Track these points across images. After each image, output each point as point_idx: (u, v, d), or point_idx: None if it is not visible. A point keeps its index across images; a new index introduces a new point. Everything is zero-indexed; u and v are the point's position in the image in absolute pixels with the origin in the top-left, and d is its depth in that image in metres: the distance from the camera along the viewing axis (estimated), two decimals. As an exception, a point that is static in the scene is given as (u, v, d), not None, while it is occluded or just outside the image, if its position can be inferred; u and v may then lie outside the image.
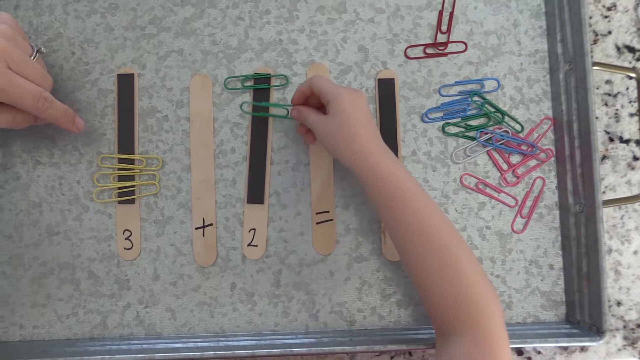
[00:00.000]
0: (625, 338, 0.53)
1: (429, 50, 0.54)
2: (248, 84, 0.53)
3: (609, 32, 0.55)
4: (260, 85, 0.53)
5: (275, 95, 0.53)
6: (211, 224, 0.52)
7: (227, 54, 0.53)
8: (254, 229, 0.52)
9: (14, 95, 0.43)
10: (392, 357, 0.52)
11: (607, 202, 0.50)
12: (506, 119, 0.53)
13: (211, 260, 0.52)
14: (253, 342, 0.50)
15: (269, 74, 0.53)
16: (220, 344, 0.50)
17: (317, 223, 0.52)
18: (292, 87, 0.53)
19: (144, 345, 0.50)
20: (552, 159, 0.53)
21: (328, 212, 0.52)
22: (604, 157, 0.54)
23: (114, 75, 0.53)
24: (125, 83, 0.53)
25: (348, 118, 0.44)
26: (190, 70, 0.53)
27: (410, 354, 0.52)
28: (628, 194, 0.54)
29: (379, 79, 0.53)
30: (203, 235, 0.52)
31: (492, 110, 0.53)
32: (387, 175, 0.43)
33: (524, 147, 0.53)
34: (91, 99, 0.53)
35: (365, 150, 0.44)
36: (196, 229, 0.52)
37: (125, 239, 0.52)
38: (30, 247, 0.52)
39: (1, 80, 0.42)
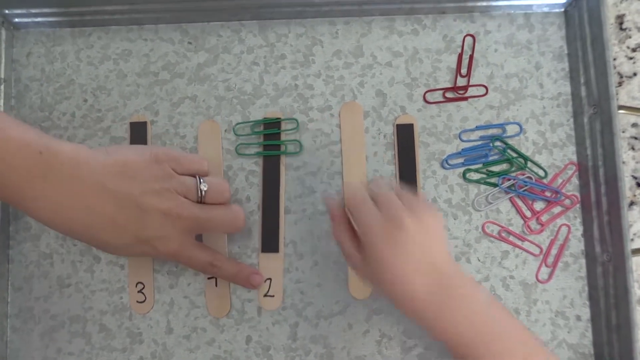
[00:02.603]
0: (657, 392, 0.52)
1: (449, 95, 0.54)
2: (258, 129, 0.54)
3: (634, 74, 0.55)
4: (271, 130, 0.53)
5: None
6: (225, 273, 0.53)
7: (241, 100, 0.54)
8: (270, 279, 0.52)
9: (186, 264, 0.47)
10: (413, 414, 0.52)
11: (637, 251, 0.50)
12: (529, 164, 0.53)
13: (225, 311, 0.52)
14: (270, 400, 0.50)
15: (279, 119, 0.53)
16: (236, 401, 0.50)
17: None
18: (302, 131, 0.54)
19: (157, 403, 0.50)
20: (578, 205, 0.53)
21: None
22: (631, 203, 0.54)
23: (126, 122, 0.54)
24: (138, 131, 0.54)
25: (383, 265, 0.39)
26: (204, 116, 0.54)
27: (432, 410, 0.52)
28: (657, 241, 0.53)
29: (397, 125, 0.53)
30: (216, 285, 0.53)
31: (515, 155, 0.53)
32: (445, 335, 0.37)
33: (548, 194, 0.53)
34: (103, 145, 0.54)
35: (410, 298, 0.38)
36: (209, 278, 0.53)
37: (138, 291, 0.52)
38: (40, 300, 0.53)
39: (178, 250, 0.45)
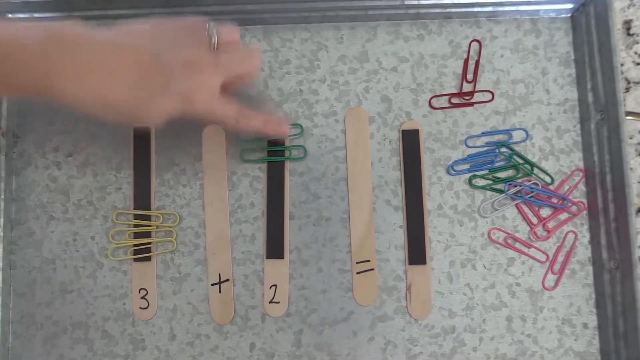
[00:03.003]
0: (665, 401, 0.52)
1: (455, 100, 0.54)
2: (265, 134, 0.54)
3: (642, 80, 0.55)
4: (275, 136, 0.53)
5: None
6: (227, 280, 0.52)
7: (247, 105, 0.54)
8: (275, 285, 0.52)
9: (215, 118, 0.45)
10: (419, 422, 0.52)
11: (644, 259, 0.50)
12: (535, 170, 0.53)
13: (228, 318, 0.52)
14: (274, 408, 0.50)
15: (284, 124, 0.53)
16: (240, 409, 0.50)
17: (357, 273, 0.52)
18: (307, 137, 0.54)
19: (160, 410, 0.50)
20: (585, 212, 0.53)
21: (369, 261, 0.52)
22: (639, 210, 0.54)
23: (130, 129, 0.54)
24: (142, 136, 0.53)
25: None
26: (208, 122, 0.54)
27: (438, 418, 0.52)
28: (665, 248, 0.53)
29: (403, 130, 0.53)
30: (219, 292, 0.52)
31: (521, 161, 0.53)
32: None
33: (554, 200, 0.53)
34: (107, 152, 0.54)
35: None
36: (212, 285, 0.52)
37: (141, 297, 0.52)
38: (42, 306, 0.53)
39: (209, 102, 0.43)
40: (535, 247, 0.52)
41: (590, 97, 0.52)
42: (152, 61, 0.40)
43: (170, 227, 0.53)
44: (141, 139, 0.54)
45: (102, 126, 0.54)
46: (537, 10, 0.54)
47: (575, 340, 0.52)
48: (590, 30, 0.52)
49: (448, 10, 0.54)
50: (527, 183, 0.53)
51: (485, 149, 0.53)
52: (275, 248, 0.52)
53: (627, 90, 0.55)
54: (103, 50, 0.40)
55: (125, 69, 0.40)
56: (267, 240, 0.52)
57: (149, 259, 0.52)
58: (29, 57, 0.38)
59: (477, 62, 0.54)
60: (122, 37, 0.41)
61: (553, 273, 0.52)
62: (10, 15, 0.53)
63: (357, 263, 0.52)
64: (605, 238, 0.51)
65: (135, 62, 0.40)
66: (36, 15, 0.53)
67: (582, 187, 0.53)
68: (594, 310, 0.52)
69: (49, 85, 0.39)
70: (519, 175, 0.53)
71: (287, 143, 0.53)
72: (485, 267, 0.52)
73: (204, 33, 0.43)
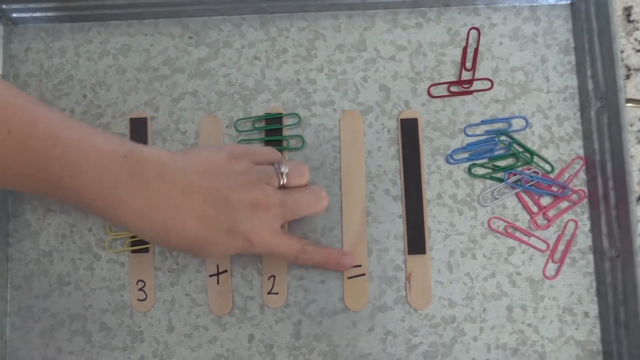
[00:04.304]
0: (667, 390, 0.52)
1: (454, 89, 0.54)
2: (260, 124, 0.54)
3: (642, 67, 0.55)
4: (272, 126, 0.53)
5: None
6: (225, 271, 0.53)
7: (243, 95, 0.54)
8: (274, 276, 0.52)
9: (277, 253, 0.46)
10: (419, 412, 0.52)
11: (645, 247, 0.50)
12: (535, 159, 0.53)
13: (227, 309, 0.52)
14: (273, 398, 0.50)
15: (281, 114, 0.54)
16: (239, 400, 0.50)
17: (348, 278, 0.52)
18: (305, 126, 0.54)
19: (158, 402, 0.50)
20: (585, 200, 0.53)
21: (360, 266, 0.52)
22: (640, 198, 0.54)
23: (126, 118, 0.54)
24: (138, 127, 0.54)
25: None
26: (205, 112, 0.54)
27: (438, 408, 0.52)
28: (667, 237, 0.53)
29: (401, 119, 0.53)
30: (217, 283, 0.53)
31: (521, 150, 0.53)
32: None
33: (554, 189, 0.53)
34: (103, 143, 0.54)
35: None
36: (210, 276, 0.53)
37: (139, 289, 0.52)
38: (40, 298, 0.53)
39: (271, 240, 0.44)
40: (535, 236, 0.53)
41: (590, 85, 0.53)
42: (220, 203, 0.42)
43: (167, 218, 0.53)
44: (138, 129, 0.54)
45: (98, 118, 0.54)
46: (536, -3, 0.54)
47: (576, 329, 0.52)
48: (590, 17, 0.52)
49: (446, -3, 0.54)
50: (527, 171, 0.53)
51: (484, 137, 0.53)
52: (273, 239, 0.53)
53: (628, 77, 0.55)
54: (177, 189, 0.41)
55: (193, 210, 0.41)
56: (265, 231, 0.53)
57: (146, 250, 0.53)
58: (100, 184, 0.39)
59: (476, 50, 0.54)
60: (193, 175, 0.42)
61: (554, 262, 0.53)
62: (4, 6, 0.53)
63: None
64: (606, 226, 0.51)
65: (205, 204, 0.41)
66: (31, 5, 0.53)
67: (582, 175, 0.53)
68: (595, 298, 0.52)
69: (112, 213, 0.40)
70: (519, 164, 0.53)
71: (284, 133, 0.54)
72: (485, 256, 0.53)
73: (274, 173, 0.45)
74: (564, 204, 0.53)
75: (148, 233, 0.42)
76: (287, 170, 0.46)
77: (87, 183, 0.39)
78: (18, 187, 0.41)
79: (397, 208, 0.53)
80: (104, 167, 0.39)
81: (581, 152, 0.53)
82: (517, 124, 0.53)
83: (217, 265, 0.52)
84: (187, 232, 0.41)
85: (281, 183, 0.46)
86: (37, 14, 0.54)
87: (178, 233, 0.41)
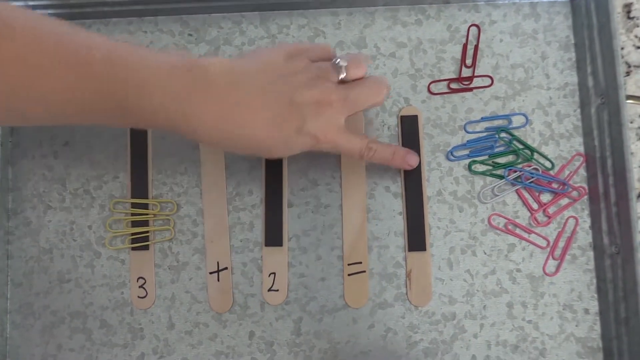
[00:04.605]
0: (667, 387, 0.52)
1: (454, 85, 0.54)
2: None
3: (642, 63, 0.55)
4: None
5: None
6: (226, 268, 0.53)
7: (243, 92, 0.54)
8: (274, 273, 0.53)
9: (343, 150, 0.46)
10: (419, 409, 0.52)
11: (645, 243, 0.50)
12: (535, 155, 0.53)
13: (227, 306, 0.52)
14: (273, 395, 0.50)
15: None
16: (239, 397, 0.50)
17: (348, 275, 0.52)
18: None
19: (159, 399, 0.51)
20: (585, 197, 0.53)
21: (361, 263, 0.52)
22: (640, 195, 0.54)
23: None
24: (139, 124, 0.54)
25: None
26: (205, 109, 0.54)
27: (438, 405, 0.52)
28: (667, 233, 0.53)
29: (401, 116, 0.53)
30: (218, 280, 0.53)
31: (521, 147, 0.53)
32: None
33: (554, 185, 0.53)
34: (103, 140, 0.54)
35: None
36: (210, 273, 0.53)
37: (139, 286, 0.52)
38: (40, 296, 0.53)
39: (337, 136, 0.44)
40: (535, 233, 0.53)
41: (590, 81, 0.53)
42: (287, 102, 0.42)
43: (168, 215, 0.53)
44: (137, 129, 0.54)
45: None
46: (536, -6, 0.54)
47: (576, 326, 0.52)
48: (590, 14, 0.52)
49: (446, -6, 0.54)
50: (527, 168, 0.53)
51: (484, 134, 0.54)
52: (274, 236, 0.53)
53: (628, 74, 0.55)
54: (248, 93, 0.41)
55: (264, 113, 0.41)
56: (265, 228, 0.53)
57: (146, 247, 0.53)
58: (174, 99, 0.39)
59: (476, 47, 0.54)
60: (260, 77, 0.42)
61: (554, 259, 0.53)
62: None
63: (348, 265, 0.52)
64: (606, 223, 0.51)
65: (276, 104, 0.42)
66: (31, 3, 0.54)
67: (582, 172, 0.53)
68: (595, 295, 0.52)
69: (186, 127, 0.41)
70: (519, 161, 0.53)
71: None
72: (485, 253, 0.53)
73: (333, 68, 0.45)
74: (564, 201, 0.53)
75: (224, 142, 0.42)
76: (345, 63, 0.45)
77: (157, 102, 0.39)
78: (84, 119, 0.42)
79: (398, 205, 0.53)
80: (173, 84, 0.39)
81: (581, 149, 0.53)
82: (517, 120, 0.54)
83: (218, 263, 0.53)
84: (259, 135, 0.42)
85: (340, 77, 0.45)
86: (37, 11, 0.54)
87: (250, 138, 0.42)
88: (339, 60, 0.45)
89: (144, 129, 0.54)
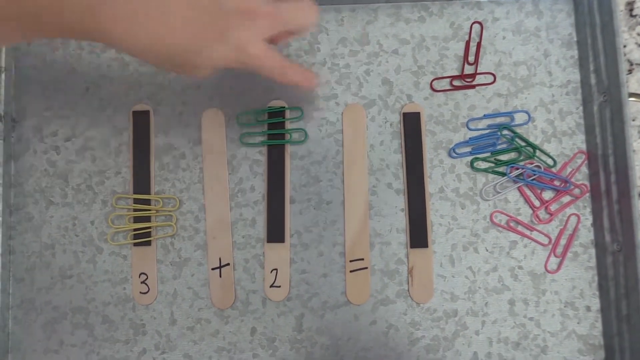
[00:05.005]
0: (668, 384, 0.52)
1: (456, 83, 0.54)
2: (263, 118, 0.54)
3: (645, 61, 0.55)
4: (275, 119, 0.54)
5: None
6: (228, 264, 0.53)
7: (246, 89, 0.54)
8: (276, 269, 0.53)
9: (262, 66, 0.43)
10: (421, 406, 0.52)
11: (647, 241, 0.50)
12: (538, 153, 0.53)
13: (229, 302, 0.53)
14: (275, 391, 0.50)
15: (283, 107, 0.54)
16: (241, 393, 0.50)
17: (351, 271, 0.52)
18: (307, 120, 0.54)
19: (161, 395, 0.51)
20: (587, 194, 0.53)
21: (363, 259, 0.52)
22: (642, 193, 0.54)
23: (128, 111, 0.54)
24: (141, 120, 0.54)
25: None
26: (207, 105, 0.54)
27: (440, 402, 0.52)
28: (668, 231, 0.53)
29: (404, 113, 0.54)
30: (220, 276, 0.53)
31: (523, 144, 0.53)
32: None
33: (556, 183, 0.53)
34: (105, 136, 0.54)
35: None
36: (212, 269, 0.53)
37: (141, 282, 0.53)
38: (42, 291, 0.53)
39: (260, 50, 0.42)
40: (537, 230, 0.53)
41: (592, 79, 0.53)
42: (211, 5, 0.39)
43: (170, 211, 0.53)
44: (140, 123, 0.54)
45: (101, 110, 0.55)
46: (539, -8, 0.54)
47: (578, 323, 0.52)
48: (592, 12, 0.52)
49: (449, -9, 0.54)
50: (529, 166, 0.53)
51: (487, 131, 0.54)
52: (275, 232, 0.53)
53: (630, 71, 0.55)
54: None
55: (182, 11, 0.38)
56: (267, 224, 0.53)
57: (148, 243, 0.53)
58: (80, 6, 0.35)
59: (479, 44, 0.54)
60: None
61: (556, 256, 0.53)
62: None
63: (350, 261, 0.53)
64: (608, 220, 0.51)
65: (196, 5, 0.38)
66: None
67: (584, 169, 0.53)
68: (597, 293, 0.52)
69: (97, 26, 0.36)
70: (521, 158, 0.53)
71: (287, 126, 0.54)
72: (487, 250, 0.53)
73: None
74: (566, 198, 0.53)
75: (138, 44, 0.38)
76: None
77: (68, 7, 0.35)
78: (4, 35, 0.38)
79: (400, 202, 0.53)
80: None
81: (583, 147, 0.54)
82: (519, 118, 0.54)
83: (220, 259, 0.53)
84: (179, 37, 0.38)
85: None
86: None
87: (170, 39, 0.38)
88: None
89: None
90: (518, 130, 0.53)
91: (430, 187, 0.53)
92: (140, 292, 0.53)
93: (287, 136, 0.54)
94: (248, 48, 0.41)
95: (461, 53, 0.54)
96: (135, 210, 0.53)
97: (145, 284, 0.53)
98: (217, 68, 0.41)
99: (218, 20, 0.39)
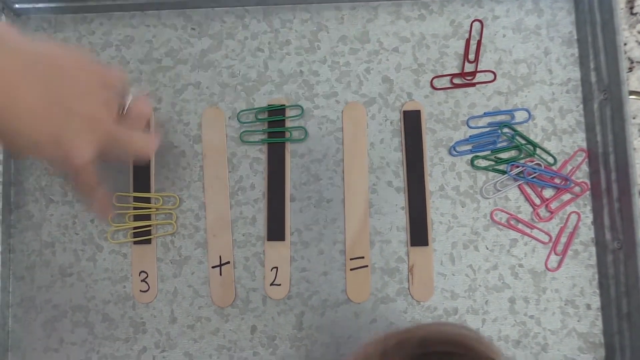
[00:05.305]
0: (669, 382, 0.52)
1: (456, 81, 0.54)
2: (263, 116, 0.54)
3: (645, 59, 0.55)
4: (275, 117, 0.54)
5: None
6: (228, 262, 0.53)
7: (246, 87, 0.54)
8: (276, 268, 0.53)
9: (79, 179, 0.43)
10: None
11: (647, 239, 0.50)
12: (538, 151, 0.53)
13: (229, 300, 0.53)
14: (275, 389, 0.50)
15: (284, 105, 0.54)
16: (241, 391, 0.50)
17: (351, 269, 0.52)
18: (307, 118, 0.54)
19: (161, 393, 0.51)
20: (587, 192, 0.53)
21: (363, 257, 0.52)
22: (642, 191, 0.54)
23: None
24: (141, 118, 0.54)
25: None
26: (207, 103, 0.54)
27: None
28: (669, 229, 0.54)
29: (404, 111, 0.54)
30: (220, 274, 0.53)
31: (523, 142, 0.53)
32: None
33: (557, 181, 0.53)
34: (105, 134, 0.54)
35: None
36: (213, 267, 0.53)
37: (141, 280, 0.53)
38: (42, 289, 0.53)
39: (86, 163, 0.41)
40: (538, 228, 0.53)
41: (593, 77, 0.53)
42: (58, 104, 0.38)
43: (170, 209, 0.53)
44: (140, 121, 0.54)
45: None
46: (540, -10, 0.54)
47: (578, 321, 0.52)
48: (593, 10, 0.52)
49: (449, -11, 0.54)
50: (529, 164, 0.53)
51: (487, 129, 0.54)
52: (276, 230, 0.53)
53: (630, 69, 0.55)
54: (21, 63, 0.36)
55: (28, 98, 0.36)
56: (267, 222, 0.53)
57: (149, 241, 0.53)
58: None
59: (479, 42, 0.54)
60: (45, 61, 0.38)
61: (556, 254, 0.53)
62: (17, 6, 0.54)
63: (350, 259, 0.53)
64: (608, 219, 0.52)
65: (43, 95, 0.37)
66: (39, 6, 0.54)
67: (585, 167, 0.53)
68: (597, 291, 0.52)
69: None
70: (522, 156, 0.53)
71: (287, 124, 0.54)
72: (487, 248, 0.53)
73: (117, 100, 0.42)
74: (566, 196, 0.53)
75: None
76: (129, 102, 0.43)
77: None
78: None
79: (400, 200, 0.53)
80: None
81: (584, 145, 0.54)
82: (519, 116, 0.54)
83: (220, 257, 0.53)
84: (14, 118, 0.36)
85: (123, 106, 0.42)
86: (40, 5, 0.55)
87: (4, 115, 0.36)
88: (126, 96, 0.43)
89: None
90: (518, 128, 0.54)
91: (431, 185, 0.53)
92: (141, 291, 0.53)
93: (288, 134, 0.54)
94: (74, 153, 0.39)
95: (461, 51, 0.54)
96: (135, 208, 0.53)
97: (146, 282, 0.53)
98: (34, 153, 0.40)
99: (60, 117, 0.38)
